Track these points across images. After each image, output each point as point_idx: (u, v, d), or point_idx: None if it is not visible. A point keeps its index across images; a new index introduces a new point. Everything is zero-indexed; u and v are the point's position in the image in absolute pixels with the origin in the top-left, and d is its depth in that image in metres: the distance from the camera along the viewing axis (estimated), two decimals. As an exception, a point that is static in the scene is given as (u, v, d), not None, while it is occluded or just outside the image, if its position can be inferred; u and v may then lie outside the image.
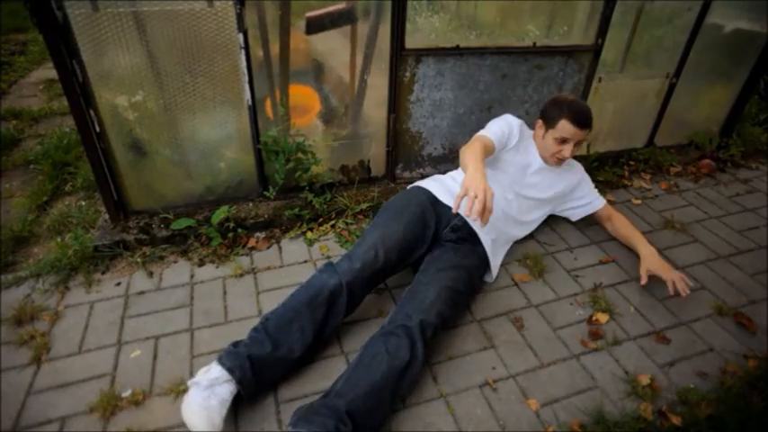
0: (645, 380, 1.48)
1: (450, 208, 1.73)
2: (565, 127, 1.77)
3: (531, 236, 2.10)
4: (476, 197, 1.36)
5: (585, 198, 2.07)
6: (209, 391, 1.26)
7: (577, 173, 2.06)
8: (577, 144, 1.83)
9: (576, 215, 2.11)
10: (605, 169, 2.55)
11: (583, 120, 1.77)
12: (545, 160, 1.91)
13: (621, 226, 2.02)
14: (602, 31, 2.23)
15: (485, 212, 1.37)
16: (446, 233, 1.74)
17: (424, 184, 1.88)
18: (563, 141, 1.81)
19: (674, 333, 1.67)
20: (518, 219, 1.92)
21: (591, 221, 2.15)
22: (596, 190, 2.09)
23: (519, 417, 1.38)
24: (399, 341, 1.37)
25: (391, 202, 1.82)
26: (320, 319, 1.44)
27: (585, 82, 2.37)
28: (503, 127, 1.82)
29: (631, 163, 2.68)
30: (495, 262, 1.83)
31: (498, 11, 2.11)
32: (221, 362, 1.31)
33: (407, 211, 1.71)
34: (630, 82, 2.50)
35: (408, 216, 1.69)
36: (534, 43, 2.17)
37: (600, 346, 1.60)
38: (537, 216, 2.02)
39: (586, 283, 1.87)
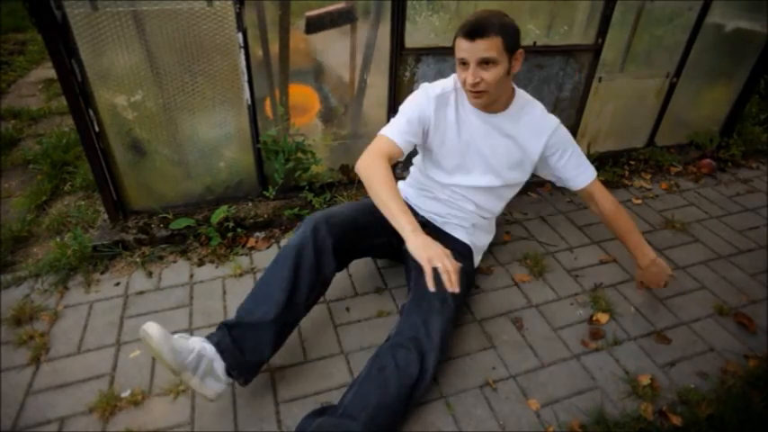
0: (645, 380, 1.48)
1: None
2: (459, 45, 1.36)
3: (531, 235, 2.10)
4: (445, 269, 1.19)
5: (569, 169, 1.59)
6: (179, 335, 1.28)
7: (543, 133, 1.53)
8: (483, 65, 1.35)
9: (562, 183, 1.66)
10: (606, 169, 2.55)
11: (469, 28, 1.31)
12: (476, 114, 1.51)
13: (618, 223, 1.66)
14: (603, 31, 2.23)
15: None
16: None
17: None
18: (463, 64, 1.39)
19: (674, 333, 1.66)
20: (481, 212, 1.66)
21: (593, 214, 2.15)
22: (587, 161, 1.61)
23: (519, 417, 1.38)
24: (408, 355, 1.31)
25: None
26: (288, 275, 1.35)
27: (585, 81, 2.36)
28: (413, 110, 1.48)
29: (632, 163, 2.68)
30: (478, 248, 1.71)
31: (498, 10, 2.11)
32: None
33: (361, 203, 1.63)
34: (630, 81, 2.50)
35: (361, 205, 1.59)
36: (534, 43, 2.17)
37: (600, 346, 1.60)
38: (505, 198, 1.68)
39: (587, 282, 1.87)
